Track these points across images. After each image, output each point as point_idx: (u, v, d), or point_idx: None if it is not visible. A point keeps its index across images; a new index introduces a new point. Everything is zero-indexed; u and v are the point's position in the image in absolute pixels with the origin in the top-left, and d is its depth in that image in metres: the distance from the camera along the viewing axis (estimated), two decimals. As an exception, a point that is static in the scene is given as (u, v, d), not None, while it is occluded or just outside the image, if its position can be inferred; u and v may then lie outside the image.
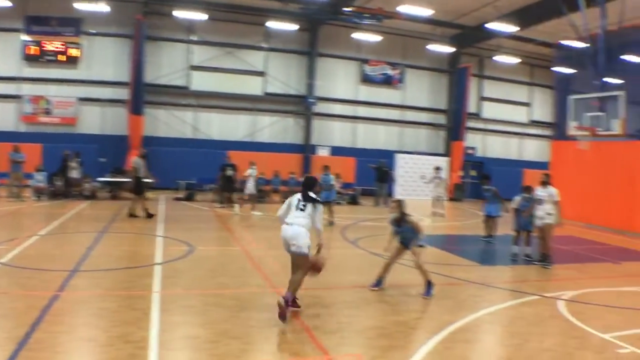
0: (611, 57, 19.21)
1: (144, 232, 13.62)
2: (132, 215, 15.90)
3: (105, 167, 23.40)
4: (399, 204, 9.05)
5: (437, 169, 22.24)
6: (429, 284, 8.84)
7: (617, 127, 16.78)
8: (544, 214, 11.90)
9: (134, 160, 16.49)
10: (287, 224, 7.52)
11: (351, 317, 7.38)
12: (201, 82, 27.22)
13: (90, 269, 9.29)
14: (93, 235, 12.52)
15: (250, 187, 18.94)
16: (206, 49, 27.26)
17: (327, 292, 8.62)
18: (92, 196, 20.65)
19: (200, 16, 24.83)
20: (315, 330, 6.68)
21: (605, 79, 19.12)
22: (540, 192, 12.17)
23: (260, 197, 22.05)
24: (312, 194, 7.64)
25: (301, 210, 7.50)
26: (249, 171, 19.10)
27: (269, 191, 23.29)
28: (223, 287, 8.58)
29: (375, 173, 25.18)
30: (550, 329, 7.50)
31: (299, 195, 7.67)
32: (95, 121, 25.94)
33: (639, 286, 10.84)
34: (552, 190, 12.03)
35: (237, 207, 18.98)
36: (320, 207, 7.63)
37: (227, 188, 20.50)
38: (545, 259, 12.04)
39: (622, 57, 27.03)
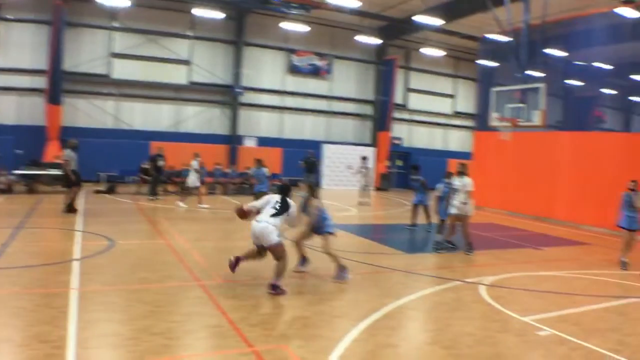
0: (533, 51, 19.90)
1: (63, 227, 13.08)
2: (70, 210, 15.25)
3: (21, 159, 22.30)
4: (309, 187, 9.38)
5: (364, 158, 22.52)
6: (341, 268, 9.02)
7: (537, 118, 17.42)
8: (459, 203, 12.26)
9: (66, 153, 15.72)
10: (257, 221, 8.17)
11: (276, 309, 7.37)
12: (123, 70, 26.32)
13: (5, 266, 8.83)
14: (8, 231, 11.90)
15: (193, 179, 18.53)
16: (129, 36, 26.37)
17: (252, 284, 8.55)
18: (7, 190, 19.68)
19: (123, 2, 23.88)
20: (240, 323, 6.60)
21: (527, 72, 19.80)
22: (456, 181, 12.54)
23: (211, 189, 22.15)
24: (289, 201, 8.41)
25: (275, 211, 8.19)
26: (193, 162, 18.76)
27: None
28: (145, 282, 8.34)
29: (305, 164, 25.17)
30: (472, 314, 7.73)
31: (277, 198, 8.41)
32: (11, 111, 24.57)
33: (558, 270, 11.33)
34: (466, 180, 12.38)
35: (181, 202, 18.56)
36: (293, 212, 8.46)
37: (158, 180, 20.08)
38: (468, 247, 12.43)
39: (544, 50, 28.14)
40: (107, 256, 10.01)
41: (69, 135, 22.84)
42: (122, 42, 26.26)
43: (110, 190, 21.36)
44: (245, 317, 6.87)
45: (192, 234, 13.21)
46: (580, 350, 6.42)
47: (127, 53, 26.28)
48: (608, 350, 6.47)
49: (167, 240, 11.83)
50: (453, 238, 12.96)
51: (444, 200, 13.14)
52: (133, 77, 26.47)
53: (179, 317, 6.78)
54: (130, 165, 23.02)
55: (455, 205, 12.33)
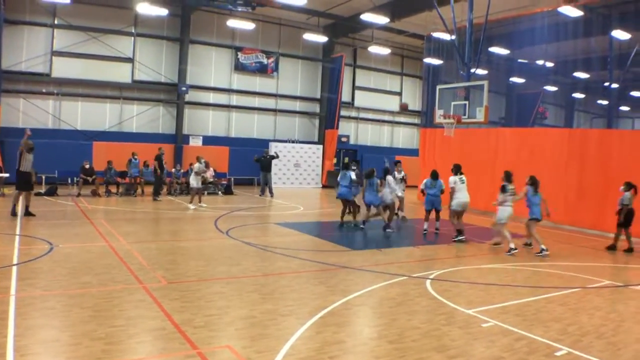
0: (477, 49, 20.25)
1: (1, 232, 12.61)
2: (29, 214, 14.81)
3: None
4: None
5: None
6: None
7: (480, 115, 17.70)
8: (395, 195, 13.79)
9: (28, 157, 15.11)
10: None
11: (221, 309, 7.24)
12: (64, 68, 25.43)
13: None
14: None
15: (193, 181, 19.03)
16: (70, 33, 25.48)
17: (197, 285, 8.41)
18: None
19: (63, -1, 23.18)
20: (184, 325, 6.47)
21: (471, 70, 20.14)
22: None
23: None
24: None
25: None
26: (196, 165, 19.31)
27: (141, 183, 22.40)
28: (86, 286, 8.09)
29: (260, 162, 24.85)
30: (417, 308, 7.79)
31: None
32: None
33: (502, 263, 11.60)
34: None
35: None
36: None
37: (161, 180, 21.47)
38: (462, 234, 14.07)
39: (488, 49, 28.76)
40: (47, 260, 9.67)
41: (7, 136, 22.10)
42: (63, 39, 25.38)
43: (51, 193, 20.70)
44: (189, 318, 6.75)
45: (135, 235, 12.92)
46: (523, 341, 6.56)
47: (68, 51, 25.43)
48: (550, 340, 6.63)
49: (109, 243, 11.53)
50: (437, 225, 15.42)
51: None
52: (74, 75, 25.60)
53: (121, 321, 6.59)
54: (71, 167, 22.34)
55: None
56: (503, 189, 13.00)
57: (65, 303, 7.23)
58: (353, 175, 16.55)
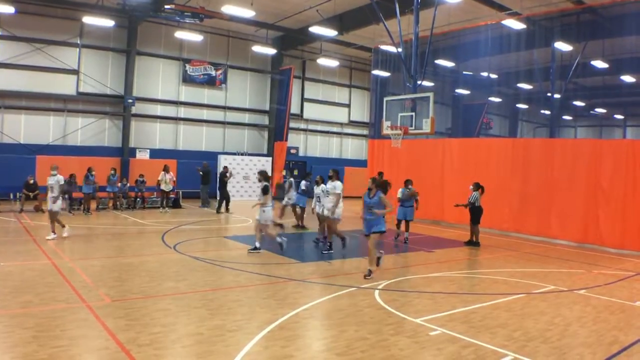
0: (423, 61, 20.58)
1: None
2: None
3: None
4: None
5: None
6: None
7: (427, 126, 17.97)
8: (330, 205, 13.33)
9: None
10: None
11: (167, 326, 7.08)
12: (6, 80, 24.56)
13: None
14: None
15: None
16: (13, 44, 24.68)
17: (142, 302, 8.22)
18: None
19: (7, 9, 22.42)
20: (129, 344, 6.30)
21: (417, 82, 20.44)
22: (329, 185, 13.44)
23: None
24: None
25: None
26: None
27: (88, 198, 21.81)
28: (27, 306, 7.80)
29: (200, 175, 24.81)
30: (366, 318, 7.81)
31: None
32: None
33: (449, 271, 11.77)
34: (337, 183, 13.40)
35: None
36: None
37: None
38: (331, 247, 13.59)
39: (435, 61, 29.30)
40: (-15, 280, 9.32)
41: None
42: (7, 51, 24.57)
43: (-8, 209, 20.04)
44: (134, 337, 6.58)
45: (79, 252, 12.60)
46: (470, 348, 6.65)
47: (10, 62, 24.62)
48: (496, 346, 6.74)
49: (52, 260, 11.18)
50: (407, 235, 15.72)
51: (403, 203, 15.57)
52: (17, 87, 24.81)
53: (64, 342, 6.37)
54: (14, 182, 21.65)
55: (327, 207, 13.54)
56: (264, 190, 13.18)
57: (6, 324, 6.96)
58: (303, 185, 17.23)
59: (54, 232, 14.09)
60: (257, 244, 12.92)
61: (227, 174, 23.20)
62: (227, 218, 21.17)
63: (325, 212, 13.64)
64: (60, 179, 14.33)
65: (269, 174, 17.45)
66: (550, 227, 17.84)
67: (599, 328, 7.79)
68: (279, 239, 13.13)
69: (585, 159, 17.05)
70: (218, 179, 22.34)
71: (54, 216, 14.18)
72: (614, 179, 16.21)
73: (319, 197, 14.48)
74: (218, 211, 22.51)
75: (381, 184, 10.87)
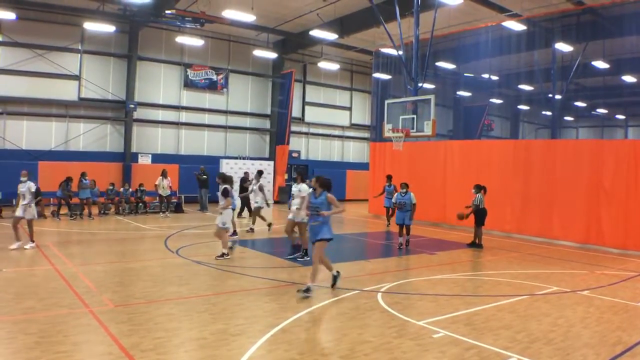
0: (424, 64, 20.57)
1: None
2: None
3: None
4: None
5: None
6: None
7: (428, 128, 17.96)
8: (295, 208, 12.95)
9: None
10: None
11: (170, 331, 7.09)
12: (9, 86, 24.60)
13: None
14: None
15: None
16: (14, 50, 24.73)
17: (145, 307, 8.23)
18: None
19: (8, 15, 22.45)
20: (132, 349, 6.30)
21: (418, 84, 20.44)
22: (294, 188, 13.34)
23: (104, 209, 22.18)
24: None
25: None
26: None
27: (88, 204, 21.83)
28: (30, 312, 7.81)
29: (197, 180, 24.95)
30: (369, 321, 7.80)
31: None
32: None
33: (451, 273, 11.75)
34: (303, 186, 13.16)
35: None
36: None
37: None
38: (300, 251, 13.08)
39: (435, 63, 29.32)
40: (-11, 286, 9.34)
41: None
42: (8, 57, 24.62)
43: (-6, 215, 20.05)
44: (137, 342, 6.58)
45: (82, 257, 12.62)
46: (473, 350, 6.64)
47: (12, 69, 24.68)
48: (499, 348, 6.73)
49: (55, 266, 11.20)
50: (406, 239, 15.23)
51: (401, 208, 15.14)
52: (19, 93, 24.86)
53: (67, 347, 6.38)
54: (16, 188, 21.48)
55: (292, 210, 13.14)
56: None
57: (8, 330, 6.98)
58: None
59: (19, 240, 13.45)
60: (225, 250, 12.67)
61: (249, 180, 23.27)
62: (239, 222, 21.19)
63: (290, 215, 13.22)
64: (32, 185, 13.81)
65: (263, 175, 17.26)
66: (553, 228, 17.83)
67: (602, 329, 7.78)
68: (230, 244, 12.96)
69: (587, 159, 17.04)
70: (239, 185, 22.26)
71: (16, 222, 13.54)
72: (616, 180, 16.20)
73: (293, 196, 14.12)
74: (239, 216, 22.52)
75: (326, 183, 9.64)
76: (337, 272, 9.90)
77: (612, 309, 8.94)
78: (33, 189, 13.89)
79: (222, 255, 12.52)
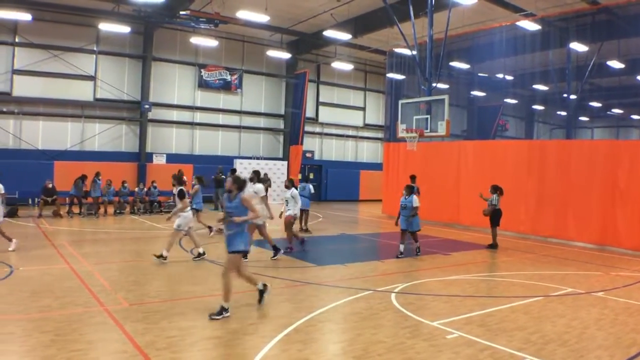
0: (438, 64, 20.51)
1: (-44, 255, 12.27)
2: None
3: None
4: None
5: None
6: None
7: (442, 128, 17.90)
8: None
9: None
10: None
11: (185, 330, 7.13)
12: (25, 87, 24.90)
13: None
14: None
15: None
16: (31, 51, 25.02)
17: (160, 306, 8.28)
18: None
19: (24, 16, 22.73)
20: (147, 348, 6.35)
21: (432, 84, 20.38)
22: (249, 187, 13.28)
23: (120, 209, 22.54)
24: None
25: None
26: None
27: (104, 203, 22.05)
28: (46, 310, 7.90)
29: (213, 180, 25.10)
30: (382, 322, 7.81)
31: None
32: None
33: (465, 274, 11.70)
34: (258, 186, 13.11)
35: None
36: None
37: None
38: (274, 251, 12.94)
39: (449, 63, 29.20)
40: (6, 284, 9.43)
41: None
42: (24, 58, 24.91)
43: (11, 214, 20.23)
44: (152, 340, 6.63)
45: (97, 256, 12.68)
46: (487, 351, 6.62)
47: (29, 69, 24.94)
48: (513, 349, 6.71)
49: (70, 265, 11.31)
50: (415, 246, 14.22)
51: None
52: (35, 94, 25.13)
53: (82, 345, 6.45)
54: (32, 187, 21.93)
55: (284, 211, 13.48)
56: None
57: (24, 327, 7.06)
58: (311, 188, 17.76)
59: (9, 239, 13.01)
60: (201, 250, 12.63)
61: (267, 180, 23.38)
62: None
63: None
64: (0, 187, 13.40)
65: (262, 175, 17.12)
66: (568, 229, 17.71)
67: (617, 330, 7.73)
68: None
69: (602, 160, 16.91)
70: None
71: None
72: (632, 180, 16.06)
73: (287, 201, 14.26)
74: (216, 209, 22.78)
75: (242, 184, 8.30)
76: (264, 285, 8.57)
77: (627, 311, 8.88)
78: (2, 191, 13.56)
79: (199, 255, 12.53)
